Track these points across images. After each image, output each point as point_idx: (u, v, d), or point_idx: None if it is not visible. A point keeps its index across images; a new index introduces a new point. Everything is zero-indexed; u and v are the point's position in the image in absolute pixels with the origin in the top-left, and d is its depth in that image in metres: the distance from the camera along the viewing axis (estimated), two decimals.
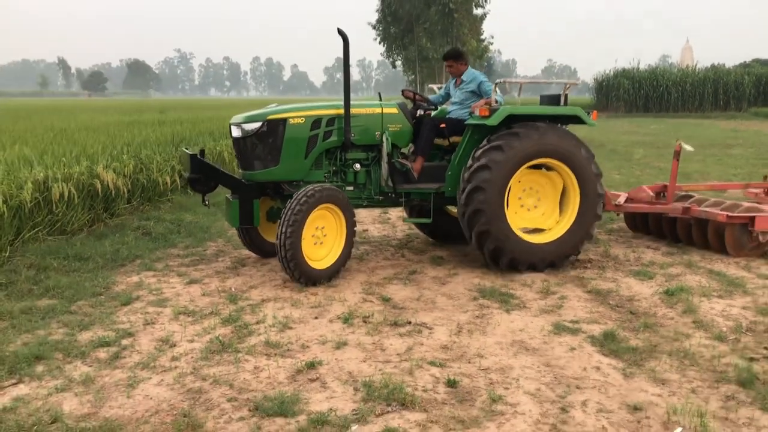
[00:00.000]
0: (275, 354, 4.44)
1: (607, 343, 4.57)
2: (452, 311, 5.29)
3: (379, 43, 55.53)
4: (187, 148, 7.03)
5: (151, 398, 3.84)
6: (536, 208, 6.61)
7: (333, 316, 5.19)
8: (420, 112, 6.90)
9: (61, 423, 3.51)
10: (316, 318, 5.16)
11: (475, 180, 6.09)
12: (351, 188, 6.54)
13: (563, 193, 6.56)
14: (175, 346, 4.61)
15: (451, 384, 3.95)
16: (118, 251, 6.98)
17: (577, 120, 6.64)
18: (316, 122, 6.22)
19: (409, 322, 5.02)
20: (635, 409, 3.62)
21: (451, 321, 5.05)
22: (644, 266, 6.56)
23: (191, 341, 4.69)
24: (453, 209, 6.81)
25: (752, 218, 6.71)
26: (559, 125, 6.63)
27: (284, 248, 5.62)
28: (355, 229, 6.17)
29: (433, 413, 3.60)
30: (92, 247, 7.04)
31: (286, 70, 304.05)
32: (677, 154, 7.53)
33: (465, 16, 51.24)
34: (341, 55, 6.25)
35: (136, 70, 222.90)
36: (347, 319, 5.08)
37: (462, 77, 6.95)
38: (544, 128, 6.29)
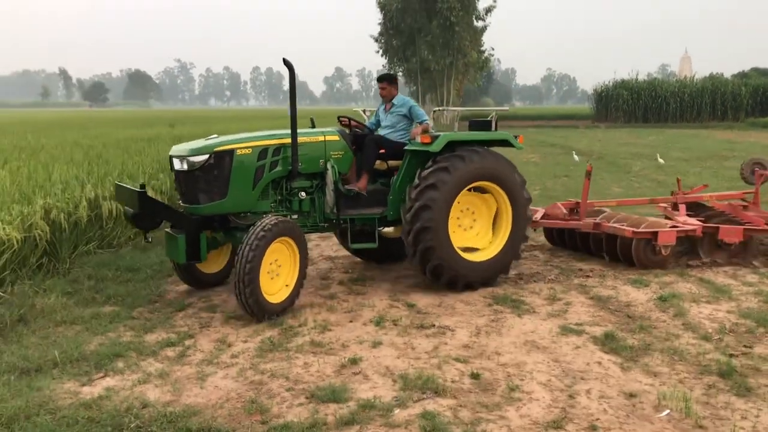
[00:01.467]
0: (320, 352, 5.13)
1: (607, 342, 5.26)
2: (470, 315, 5.99)
3: (381, 55, 56.33)
4: (121, 183, 6.63)
5: (220, 389, 4.53)
6: (471, 228, 6.90)
7: (366, 319, 5.89)
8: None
9: (151, 408, 4.20)
10: (350, 321, 5.86)
11: (423, 199, 6.30)
12: (296, 216, 6.54)
13: (496, 215, 6.93)
14: (231, 345, 5.31)
15: (475, 376, 4.64)
16: (163, 263, 7.68)
17: (507, 144, 7.01)
18: (263, 152, 6.17)
19: (434, 325, 5.71)
20: (631, 395, 4.32)
21: (470, 324, 5.75)
22: (641, 275, 7.25)
23: (245, 341, 5.39)
24: (388, 230, 6.86)
25: (655, 233, 7.33)
26: (490, 150, 6.91)
27: (243, 283, 5.51)
28: (306, 260, 6.19)
29: (462, 399, 4.29)
30: (139, 259, 7.76)
31: (286, 80, 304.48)
32: (589, 174, 8.12)
33: (466, 28, 52.06)
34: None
35: (137, 81, 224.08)
36: (379, 322, 5.78)
37: (393, 101, 7.18)
38: (483, 153, 6.66)
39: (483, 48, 56.32)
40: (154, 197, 5.99)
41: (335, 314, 6.04)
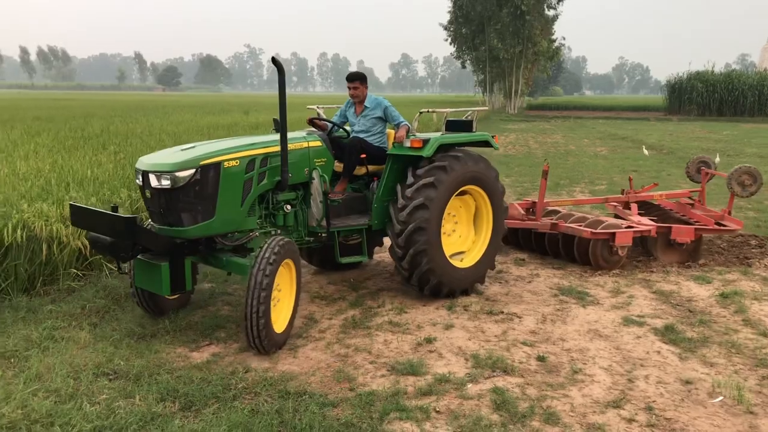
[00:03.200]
0: (398, 331, 5.65)
1: (667, 333, 5.60)
2: (537, 304, 6.40)
3: (450, 43, 56.36)
4: (75, 203, 5.32)
5: (311, 359, 5.10)
6: (455, 232, 6.75)
7: (438, 304, 6.37)
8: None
9: (253, 372, 4.80)
10: (424, 305, 6.35)
11: (420, 196, 6.03)
12: (279, 232, 5.91)
13: (475, 218, 6.80)
14: (318, 322, 5.88)
15: (541, 359, 5.08)
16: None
17: (486, 144, 6.79)
18: (251, 163, 5.39)
19: (502, 312, 6.15)
20: (687, 382, 4.67)
21: (537, 312, 6.16)
22: (704, 272, 7.49)
23: (330, 319, 5.96)
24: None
25: (613, 234, 7.39)
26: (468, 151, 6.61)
27: (258, 314, 4.84)
28: (301, 284, 5.64)
29: (528, 379, 4.74)
30: None
31: (353, 66, 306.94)
32: (545, 174, 8.10)
33: (537, 17, 51.62)
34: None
35: (208, 65, 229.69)
36: (450, 307, 6.25)
37: (365, 103, 6.68)
38: (463, 157, 6.34)
39: (554, 37, 55.71)
40: (140, 222, 4.94)
41: (410, 298, 6.54)
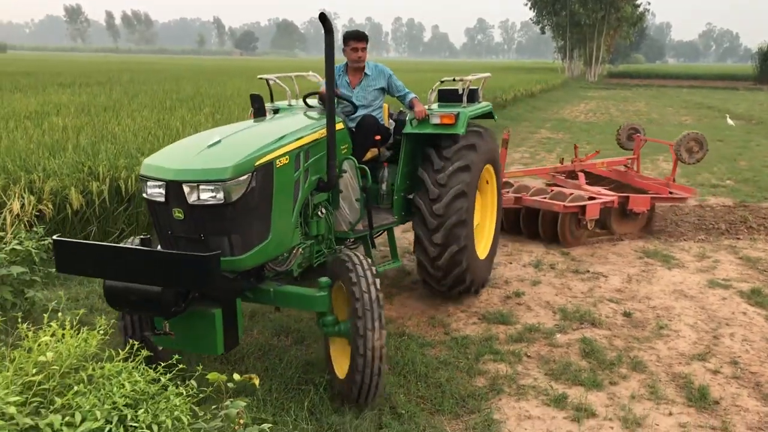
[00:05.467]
0: (487, 285, 5.95)
1: (753, 296, 5.71)
2: (622, 265, 6.57)
3: (530, 8, 55.22)
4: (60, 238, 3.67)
5: (406, 306, 5.48)
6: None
7: (525, 262, 6.64)
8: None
9: None
10: (510, 263, 6.63)
11: (456, 183, 5.01)
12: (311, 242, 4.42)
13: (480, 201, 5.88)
14: (410, 274, 6.25)
15: (627, 315, 5.30)
16: None
17: (490, 115, 5.94)
18: (297, 158, 4.04)
19: (588, 271, 6.37)
20: None
21: (622, 272, 6.35)
22: None
23: None
24: None
25: (583, 207, 7.05)
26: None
27: (375, 375, 3.69)
28: None
29: (615, 332, 4.98)
30: None
31: (427, 31, 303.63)
32: (505, 143, 7.75)
33: None
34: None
35: (284, 30, 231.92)
36: (537, 265, 6.51)
37: (365, 71, 5.35)
38: (484, 133, 5.50)
39: (638, 2, 53.77)
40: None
41: (497, 256, 6.82)
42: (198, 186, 3.44)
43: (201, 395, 2.68)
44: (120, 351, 2.73)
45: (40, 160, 6.86)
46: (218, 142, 3.76)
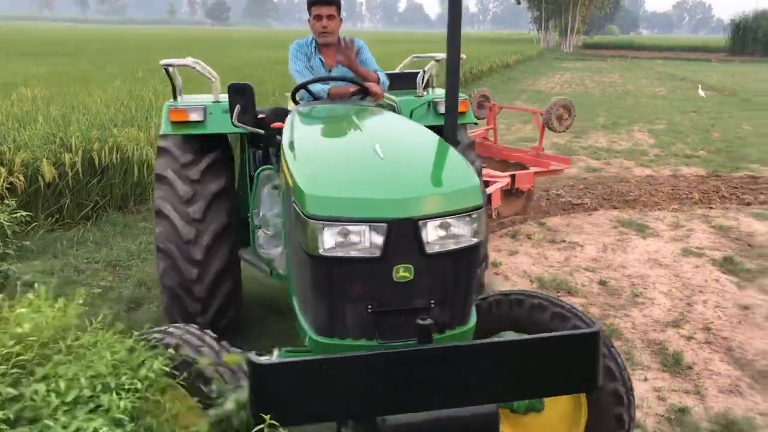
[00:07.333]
0: None
1: (725, 264, 5.81)
2: (598, 235, 6.64)
3: None
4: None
5: None
6: None
7: (502, 233, 6.68)
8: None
9: None
10: (492, 232, 6.67)
11: None
12: None
13: None
14: None
15: (602, 283, 5.37)
16: None
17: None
18: None
19: (564, 241, 6.43)
20: (744, 307, 4.92)
21: (598, 242, 6.42)
22: (765, 209, 7.58)
23: None
24: None
25: (513, 176, 6.82)
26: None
27: None
28: None
29: (591, 300, 5.05)
30: None
31: (402, 2, 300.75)
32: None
33: None
34: None
35: (257, 0, 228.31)
36: (514, 235, 6.56)
37: (346, 42, 3.99)
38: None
39: None
40: None
41: None
42: (443, 222, 2.20)
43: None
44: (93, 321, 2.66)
45: (10, 132, 6.72)
46: (378, 156, 2.45)
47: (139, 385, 2.12)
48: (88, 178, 6.49)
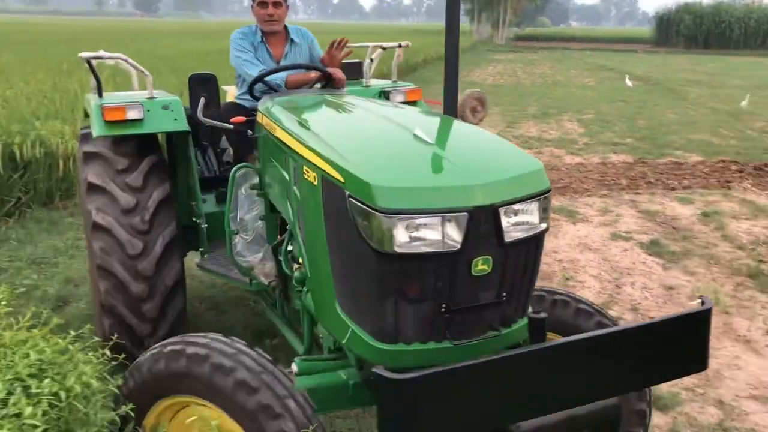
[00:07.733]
0: None
1: (652, 247, 6.02)
2: None
3: None
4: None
5: None
6: None
7: None
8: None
9: None
10: None
11: None
12: None
13: None
14: None
15: None
16: None
17: None
18: None
19: None
20: (670, 288, 5.12)
21: None
22: (688, 194, 7.89)
23: None
24: None
25: None
26: None
27: None
28: None
29: None
30: None
31: None
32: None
33: None
34: None
35: None
36: None
37: (291, 36, 3.97)
38: None
39: None
40: None
41: None
42: (520, 208, 2.04)
43: (113, 363, 2.57)
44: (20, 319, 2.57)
45: None
46: (422, 140, 2.24)
47: (63, 394, 2.00)
48: (9, 173, 6.22)
